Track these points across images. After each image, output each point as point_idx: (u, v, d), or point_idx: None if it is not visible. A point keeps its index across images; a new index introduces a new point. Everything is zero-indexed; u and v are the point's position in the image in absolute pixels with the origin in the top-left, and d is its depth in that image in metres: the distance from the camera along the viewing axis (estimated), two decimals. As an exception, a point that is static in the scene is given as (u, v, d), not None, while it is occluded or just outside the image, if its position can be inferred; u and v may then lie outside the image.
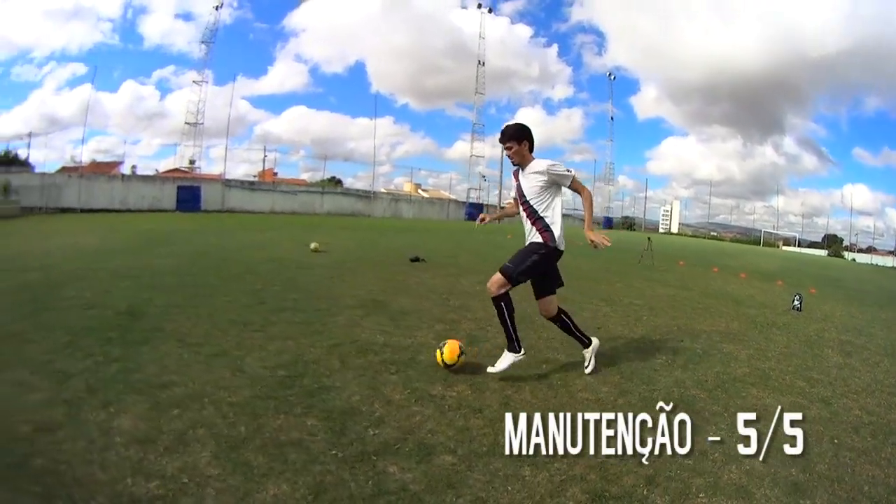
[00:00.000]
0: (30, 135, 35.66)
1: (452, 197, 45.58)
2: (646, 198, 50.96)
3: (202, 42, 39.35)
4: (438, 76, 64.62)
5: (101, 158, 36.78)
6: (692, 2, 54.56)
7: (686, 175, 58.64)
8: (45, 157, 40.84)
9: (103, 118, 52.64)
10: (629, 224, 48.32)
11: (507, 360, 2.77)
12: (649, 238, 11.71)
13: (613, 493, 1.80)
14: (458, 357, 2.86)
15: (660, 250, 10.92)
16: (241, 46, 56.94)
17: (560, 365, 3.24)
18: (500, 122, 54.37)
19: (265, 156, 41.46)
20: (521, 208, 2.84)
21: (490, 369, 2.76)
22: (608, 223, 45.93)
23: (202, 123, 38.84)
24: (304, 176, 42.39)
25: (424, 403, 2.57)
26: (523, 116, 50.21)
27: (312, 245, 9.12)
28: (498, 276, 2.71)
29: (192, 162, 39.95)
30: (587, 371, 2.95)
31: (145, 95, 49.50)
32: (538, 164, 2.81)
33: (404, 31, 57.01)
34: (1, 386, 2.79)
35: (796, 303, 5.96)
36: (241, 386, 2.78)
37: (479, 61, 46.21)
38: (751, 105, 58.03)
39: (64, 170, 34.58)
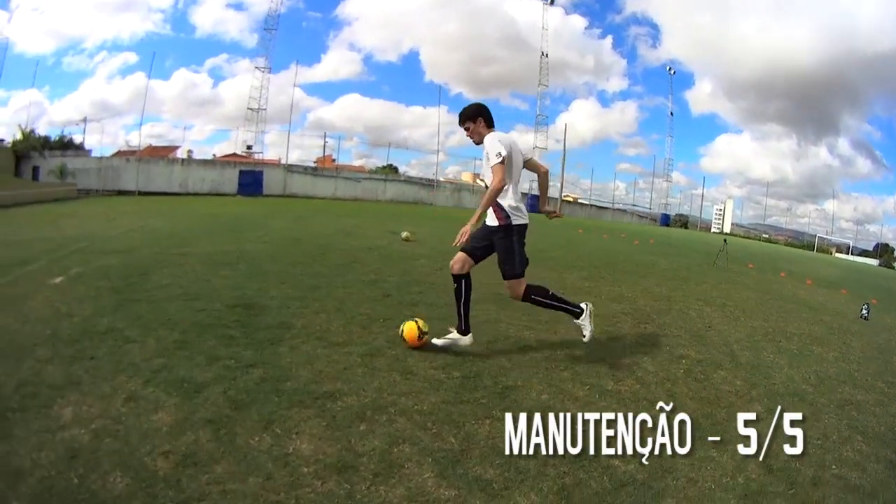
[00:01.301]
0: (84, 120, 43.63)
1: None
2: (703, 196, 57.78)
3: (265, 29, 46.50)
4: (492, 66, 72.50)
5: (154, 143, 43.81)
6: (750, -3, 58.62)
7: (739, 174, 66.86)
8: (98, 141, 46.89)
9: (156, 104, 62.20)
10: (683, 222, 55.40)
11: (452, 338, 3.67)
12: (725, 240, 14.01)
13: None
14: (420, 337, 3.64)
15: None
16: (294, 35, 63.90)
17: (698, 361, 4.18)
18: (556, 113, 63.78)
19: (325, 142, 49.02)
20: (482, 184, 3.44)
21: (433, 340, 3.64)
22: (665, 220, 52.75)
23: (265, 109, 46.38)
24: (358, 163, 49.05)
25: (606, 398, 3.15)
26: (578, 108, 59.27)
27: (404, 234, 10.49)
28: (512, 282, 3.57)
29: (249, 147, 47.54)
30: (585, 339, 3.74)
31: (198, 83, 57.34)
32: (489, 139, 3.44)
33: (458, 21, 64.31)
34: (110, 402, 2.78)
35: (864, 312, 7.30)
36: (421, 391, 3.02)
37: (543, 53, 53.61)
38: (806, 103, 64.82)
39: (119, 154, 41.90)
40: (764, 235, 55.64)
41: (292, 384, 2.97)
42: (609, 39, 70.90)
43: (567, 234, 17.49)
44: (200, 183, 42.76)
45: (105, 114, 51.93)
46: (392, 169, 49.76)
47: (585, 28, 61.01)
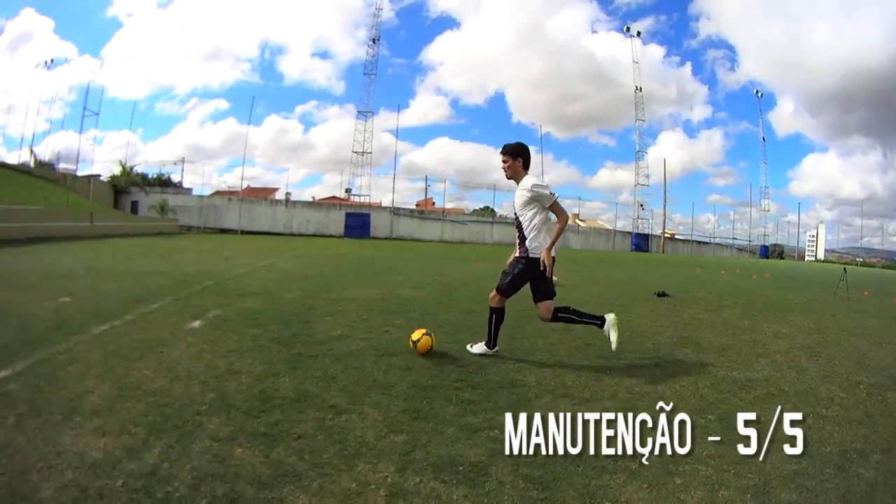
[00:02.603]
0: (182, 160, 56.22)
1: (608, 226, 64.53)
2: (799, 223, 68.02)
3: (365, 73, 59.50)
4: (578, 103, 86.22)
5: (249, 185, 55.52)
6: (815, 1, 72.89)
7: (828, 195, 74.06)
8: (191, 181, 59.47)
9: (249, 149, 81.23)
10: (779, 252, 64.53)
11: (479, 348, 5.04)
12: (845, 269, 16.64)
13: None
14: (426, 345, 4.97)
15: (833, 280, 16.05)
16: (381, 81, 76.17)
17: (872, 385, 5.11)
18: (644, 147, 72.26)
19: (427, 185, 60.76)
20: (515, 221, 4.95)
21: (467, 347, 5.15)
22: (764, 252, 62.67)
23: (370, 153, 58.16)
24: (450, 205, 59.64)
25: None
26: (666, 141, 70.06)
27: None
28: (493, 293, 5.03)
29: (348, 190, 59.29)
30: (613, 347, 4.98)
31: (289, 129, 77.17)
32: (526, 180, 4.84)
33: (539, 60, 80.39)
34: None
35: None
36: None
37: (637, 87, 65.47)
38: (888, 109, 72.95)
39: (218, 193, 54.01)
40: (858, 259, 62.37)
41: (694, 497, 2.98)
42: (688, 67, 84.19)
43: (688, 273, 21.13)
44: (305, 224, 51.70)
45: (198, 156, 67.70)
46: (490, 211, 59.60)
47: (664, 57, 72.43)
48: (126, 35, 76.51)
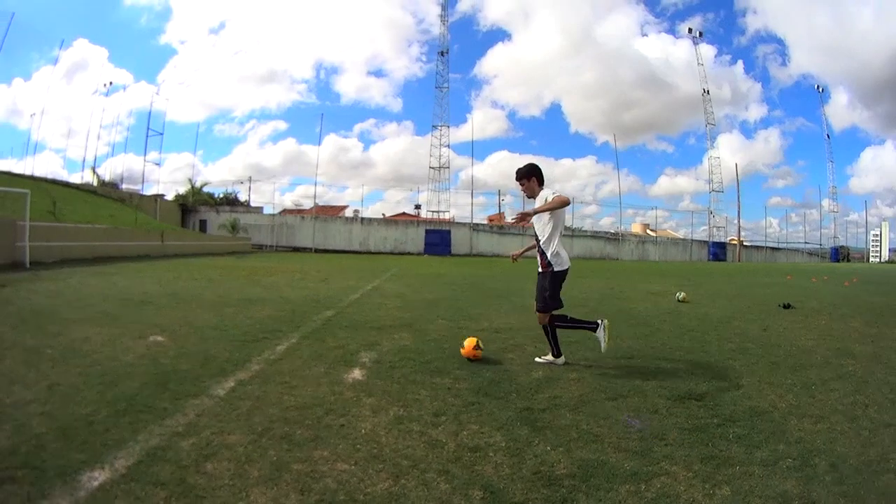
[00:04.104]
0: (250, 179, 62.03)
1: (678, 235, 69.21)
2: (867, 222, 73.53)
3: (436, 87, 64.19)
4: (633, 110, 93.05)
5: (308, 203, 61.11)
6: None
7: (889, 191, 76.26)
8: (253, 200, 64.03)
9: (310, 168, 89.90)
10: (846, 254, 70.15)
11: (548, 360, 5.65)
12: None
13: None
14: (475, 350, 5.68)
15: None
16: (435, 97, 70.94)
17: None
18: (702, 151, 78.45)
19: (500, 200, 65.88)
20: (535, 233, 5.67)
21: (536, 359, 5.79)
22: (835, 255, 68.57)
23: (447, 167, 62.61)
24: (510, 219, 62.56)
25: None
26: (724, 144, 70.48)
27: (681, 295, 12.71)
28: (539, 315, 5.64)
29: (417, 206, 64.32)
30: (602, 349, 5.75)
31: (349, 147, 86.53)
32: (541, 195, 5.43)
33: (592, 68, 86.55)
34: None
35: None
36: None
37: (704, 90, 69.82)
38: None
39: (286, 212, 58.71)
40: (924, 258, 63.36)
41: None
42: (740, 65, 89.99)
43: (782, 281, 21.77)
44: (382, 242, 54.31)
45: (259, 175, 74.03)
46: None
47: (715, 56, 72.67)
48: (180, 61, 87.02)
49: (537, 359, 5.74)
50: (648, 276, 23.42)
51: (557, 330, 5.65)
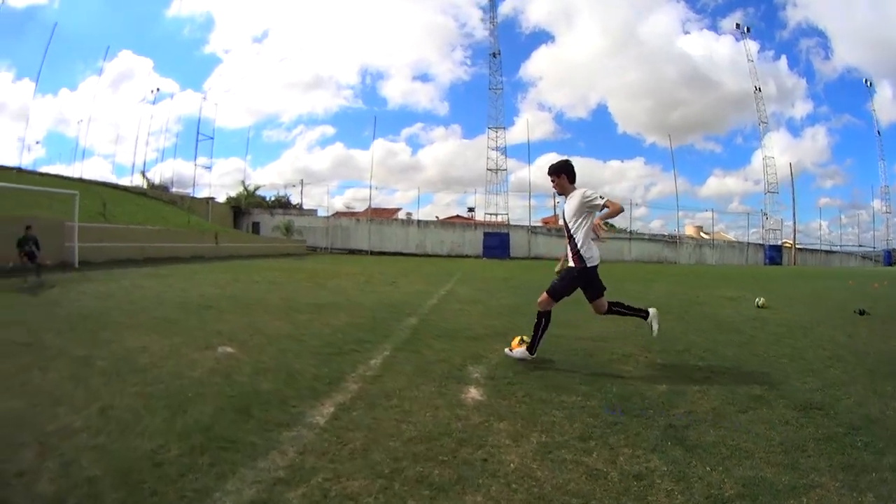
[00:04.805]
0: (301, 182, 64.31)
1: (731, 238, 70.17)
2: None
3: (490, 88, 65.25)
4: (680, 109, 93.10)
5: (359, 207, 63.67)
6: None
7: None
8: (304, 204, 66.02)
9: (359, 171, 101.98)
10: None
11: (520, 353, 5.74)
12: None
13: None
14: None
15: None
16: (483, 101, 79.00)
17: None
18: (749, 151, 79.39)
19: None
20: (565, 231, 5.84)
21: (506, 350, 5.95)
22: (888, 259, 66.50)
23: (505, 169, 63.80)
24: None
25: None
26: (772, 143, 70.92)
27: (760, 300, 12.76)
28: (544, 295, 5.68)
29: (470, 209, 65.80)
30: (654, 334, 6.08)
31: (397, 151, 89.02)
32: (574, 193, 5.62)
33: (637, 67, 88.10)
34: None
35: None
36: None
37: (755, 87, 69.25)
38: None
39: (338, 215, 60.12)
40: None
41: None
42: (784, 61, 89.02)
43: (844, 286, 21.69)
44: (439, 245, 55.38)
45: (309, 179, 76.79)
46: (610, 226, 66.29)
47: (759, 52, 75.35)
48: (226, 69, 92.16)
49: (507, 351, 5.91)
50: (714, 281, 23.45)
51: (542, 329, 5.73)
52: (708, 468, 3.26)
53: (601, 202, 5.41)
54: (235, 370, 4.99)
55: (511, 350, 5.86)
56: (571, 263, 5.65)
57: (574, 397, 4.61)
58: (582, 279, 5.64)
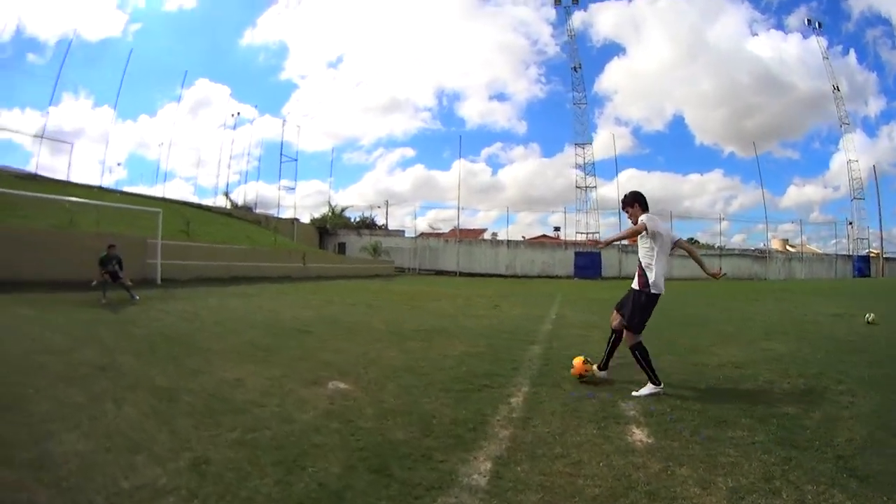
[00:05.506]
0: (386, 203, 66.95)
1: (817, 249, 69.94)
2: None
3: (574, 104, 65.34)
4: (755, 116, 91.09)
5: (442, 228, 65.66)
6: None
7: None
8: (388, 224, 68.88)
9: (440, 192, 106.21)
10: None
11: (646, 392, 5.52)
12: None
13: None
14: (584, 370, 6.03)
15: None
16: (561, 117, 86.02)
17: None
18: (826, 156, 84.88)
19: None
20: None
21: (633, 393, 5.55)
22: None
23: (594, 187, 63.78)
24: (595, 245, 61.27)
25: None
26: (848, 145, 68.36)
27: (870, 317, 12.70)
28: (627, 333, 5.82)
29: (556, 228, 65.80)
30: (633, 394, 5.62)
31: (477, 171, 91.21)
32: (641, 219, 5.79)
33: (708, 74, 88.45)
34: None
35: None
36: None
37: (833, 86, 66.86)
38: None
39: (424, 235, 61.36)
40: None
41: None
42: (852, 55, 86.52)
43: None
44: (529, 265, 55.53)
45: (391, 200, 76.86)
46: (693, 242, 63.49)
47: (827, 48, 72.41)
48: (303, 94, 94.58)
49: (634, 393, 5.61)
50: (812, 297, 22.62)
51: (646, 360, 5.72)
52: (885, 498, 3.20)
53: (642, 222, 5.70)
54: (356, 413, 4.36)
55: (638, 391, 5.64)
56: (636, 285, 5.82)
57: (740, 432, 4.45)
58: (651, 303, 5.74)
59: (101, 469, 3.01)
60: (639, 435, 4.25)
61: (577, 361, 6.02)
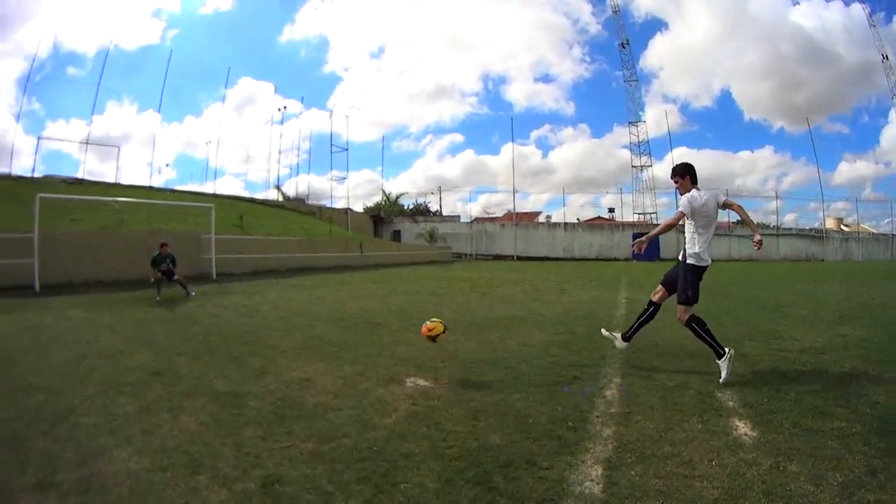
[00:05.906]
0: (440, 189, 68.95)
1: (871, 230, 68.52)
2: None
3: (625, 80, 65.69)
4: (803, 89, 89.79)
5: (494, 212, 65.89)
6: None
7: None
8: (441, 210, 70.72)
9: (491, 177, 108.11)
10: None
11: (723, 367, 5.49)
12: None
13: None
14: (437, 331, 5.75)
15: None
16: (607, 96, 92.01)
17: None
18: (876, 130, 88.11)
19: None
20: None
21: (721, 381, 5.39)
22: None
23: (650, 166, 64.06)
24: (633, 247, 64.91)
25: None
26: None
27: None
28: (680, 308, 5.80)
29: (611, 210, 66.26)
30: (721, 381, 5.50)
31: (527, 154, 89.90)
32: (681, 201, 5.96)
33: (753, 47, 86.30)
34: None
35: None
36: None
37: (883, 55, 64.26)
38: None
39: (479, 220, 63.50)
40: None
41: None
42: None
43: None
44: (587, 248, 55.61)
45: (443, 186, 79.13)
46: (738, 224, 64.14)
47: (870, 15, 70.33)
48: (347, 86, 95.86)
49: (721, 380, 5.44)
50: (875, 279, 22.02)
51: (706, 333, 5.75)
52: None
53: (679, 210, 5.91)
54: (443, 414, 4.05)
55: (722, 376, 5.45)
56: (681, 257, 6.00)
57: (838, 423, 4.34)
58: (695, 275, 5.83)
59: (157, 492, 2.74)
60: (743, 428, 4.13)
61: (433, 324, 5.73)
